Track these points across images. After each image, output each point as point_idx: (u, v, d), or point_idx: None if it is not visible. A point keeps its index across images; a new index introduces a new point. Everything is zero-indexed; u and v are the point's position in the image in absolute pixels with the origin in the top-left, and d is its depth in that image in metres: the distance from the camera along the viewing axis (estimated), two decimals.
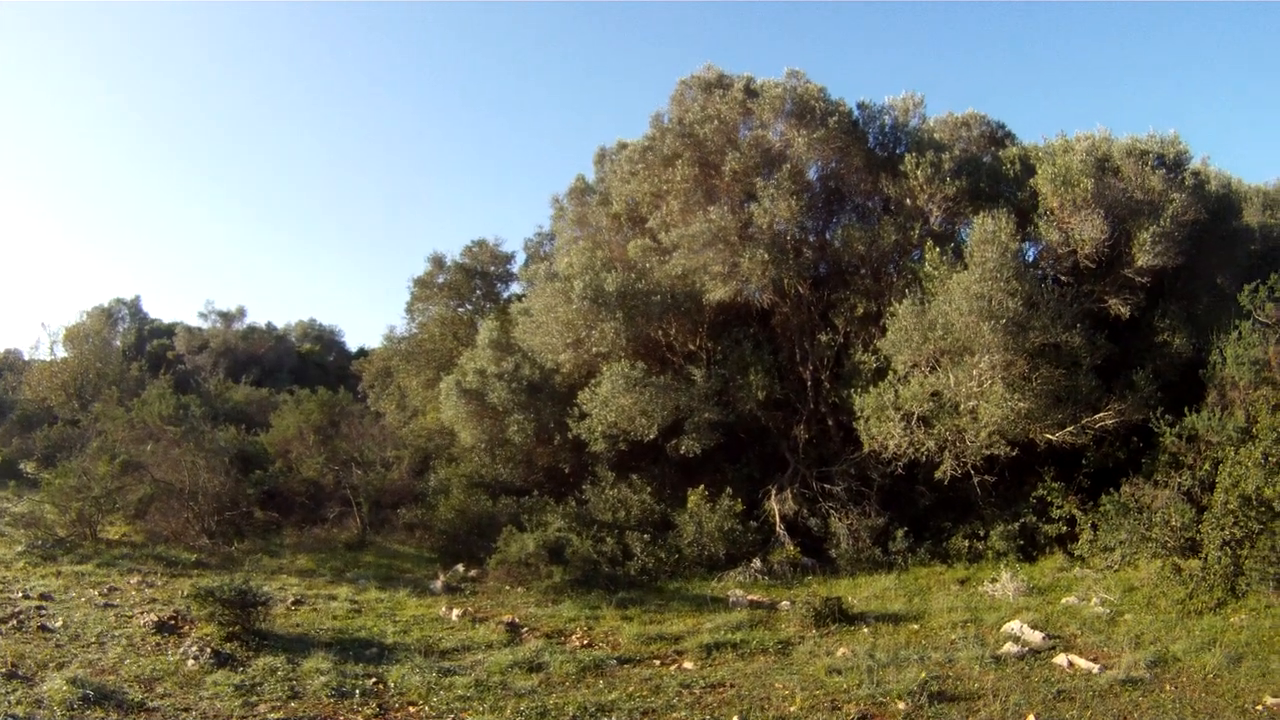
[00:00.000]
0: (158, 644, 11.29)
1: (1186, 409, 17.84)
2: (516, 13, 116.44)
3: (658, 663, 12.10)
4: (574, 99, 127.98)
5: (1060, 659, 11.84)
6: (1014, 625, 13.62)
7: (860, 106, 22.66)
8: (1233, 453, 15.81)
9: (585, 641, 13.31)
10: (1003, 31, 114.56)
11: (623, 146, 23.73)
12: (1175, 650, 12.20)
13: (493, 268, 29.81)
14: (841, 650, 12.52)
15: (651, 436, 19.98)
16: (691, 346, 21.91)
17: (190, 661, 10.46)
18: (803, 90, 21.48)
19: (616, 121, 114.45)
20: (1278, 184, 27.57)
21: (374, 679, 10.50)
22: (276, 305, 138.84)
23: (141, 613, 12.79)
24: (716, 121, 21.35)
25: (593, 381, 20.28)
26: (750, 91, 21.84)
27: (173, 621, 12.08)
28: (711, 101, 21.82)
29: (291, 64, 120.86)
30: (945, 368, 18.51)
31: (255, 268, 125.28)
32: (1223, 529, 14.54)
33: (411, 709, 9.65)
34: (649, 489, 20.73)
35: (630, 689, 10.63)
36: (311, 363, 59.74)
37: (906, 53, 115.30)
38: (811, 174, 22.18)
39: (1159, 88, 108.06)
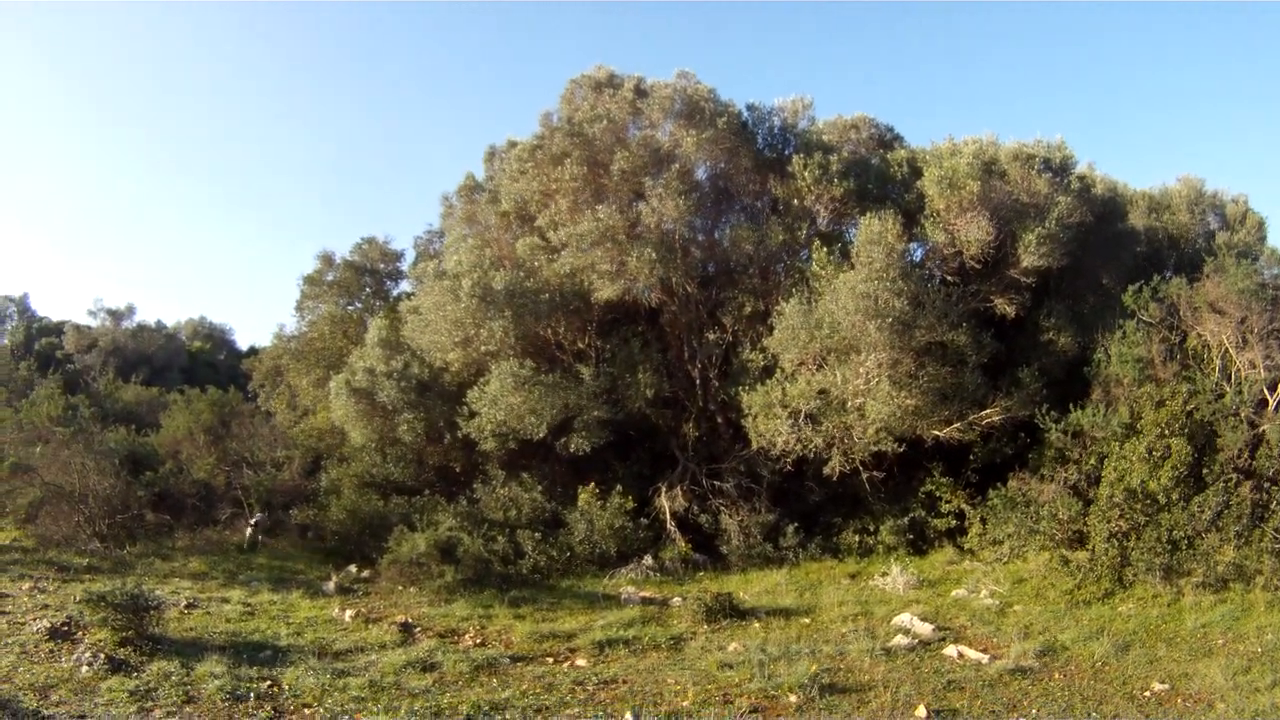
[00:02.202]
0: (51, 651, 11.62)
1: (1072, 405, 19.43)
2: (411, 10, 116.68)
3: (550, 660, 12.81)
4: (466, 97, 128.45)
5: (950, 650, 13.08)
6: (904, 618, 14.89)
7: (749, 108, 24.06)
8: (1118, 448, 17.72)
9: (478, 640, 13.95)
10: (895, 36, 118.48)
11: (512, 145, 24.42)
12: (1064, 640, 13.61)
13: (382, 265, 30.66)
14: (733, 645, 13.61)
15: (541, 435, 20.98)
16: (580, 345, 22.86)
17: (84, 668, 10.81)
18: (692, 91, 22.69)
19: (508, 120, 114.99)
20: (1163, 188, 29.63)
21: (269, 682, 10.85)
22: (167, 303, 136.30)
23: (34, 619, 13.13)
24: (606, 121, 22.36)
25: (482, 380, 21.13)
26: (640, 91, 22.99)
27: (66, 628, 12.54)
28: (601, 101, 22.89)
29: (185, 53, 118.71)
30: (832, 366, 19.85)
31: (146, 263, 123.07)
32: (1109, 521, 16.37)
33: (306, 711, 10.03)
34: (540, 487, 21.80)
35: (524, 686, 11.28)
36: (202, 361, 60.73)
37: (799, 56, 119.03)
38: (700, 174, 23.47)
39: (1049, 95, 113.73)
